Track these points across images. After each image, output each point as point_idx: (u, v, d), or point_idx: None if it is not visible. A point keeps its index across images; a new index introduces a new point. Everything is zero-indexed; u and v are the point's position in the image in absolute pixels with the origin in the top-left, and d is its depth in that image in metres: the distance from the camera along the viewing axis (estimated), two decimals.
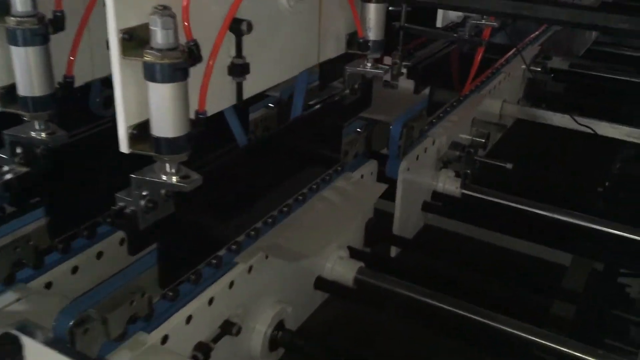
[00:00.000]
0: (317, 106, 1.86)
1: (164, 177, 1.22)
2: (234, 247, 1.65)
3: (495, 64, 3.14)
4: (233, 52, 1.39)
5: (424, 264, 2.40)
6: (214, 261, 1.57)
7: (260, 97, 2.15)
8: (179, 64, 1.12)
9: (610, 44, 4.70)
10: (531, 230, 2.51)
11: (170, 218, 1.33)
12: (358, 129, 2.17)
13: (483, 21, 2.45)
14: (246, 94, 1.47)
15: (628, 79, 4.04)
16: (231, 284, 1.56)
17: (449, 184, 2.61)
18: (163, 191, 1.28)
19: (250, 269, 1.62)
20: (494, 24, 2.44)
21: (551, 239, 2.47)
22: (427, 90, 2.39)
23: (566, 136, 3.76)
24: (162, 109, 1.15)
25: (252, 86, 1.48)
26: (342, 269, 2.06)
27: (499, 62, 3.18)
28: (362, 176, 2.17)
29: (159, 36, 1.10)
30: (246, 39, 1.40)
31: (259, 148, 1.68)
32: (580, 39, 4.29)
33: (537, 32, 3.80)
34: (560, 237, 2.46)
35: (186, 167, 1.24)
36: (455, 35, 2.50)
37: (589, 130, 3.06)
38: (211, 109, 1.37)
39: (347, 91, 1.93)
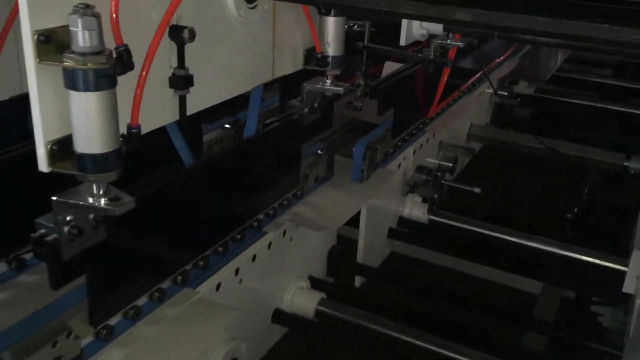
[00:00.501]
0: (273, 126, 1.73)
1: (91, 200, 1.08)
2: (179, 278, 1.50)
3: (461, 87, 3.07)
4: (175, 63, 1.26)
5: (390, 294, 2.27)
6: (157, 294, 1.42)
7: (216, 116, 2.03)
8: (104, 70, 0.99)
9: (575, 70, 4.74)
10: (500, 257, 2.42)
11: (101, 246, 1.18)
12: (319, 151, 2.04)
13: (448, 41, 2.38)
14: (191, 110, 1.34)
15: (593, 104, 4.05)
16: None
17: (415, 209, 2.51)
18: (91, 216, 1.13)
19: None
20: (460, 44, 2.37)
21: (521, 266, 2.37)
22: (391, 111, 2.29)
23: (534, 162, 3.73)
24: (86, 122, 1.01)
25: (197, 101, 1.36)
26: (302, 301, 1.92)
27: (465, 85, 3.12)
28: None
29: (80, 38, 0.96)
30: (190, 49, 1.27)
31: (206, 169, 1.54)
32: (545, 64, 4.30)
33: (502, 57, 3.77)
34: (530, 264, 2.36)
35: (117, 189, 1.10)
36: (420, 55, 2.41)
37: (556, 152, 2.99)
38: (149, 125, 1.23)
39: (306, 110, 1.81)
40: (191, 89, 1.30)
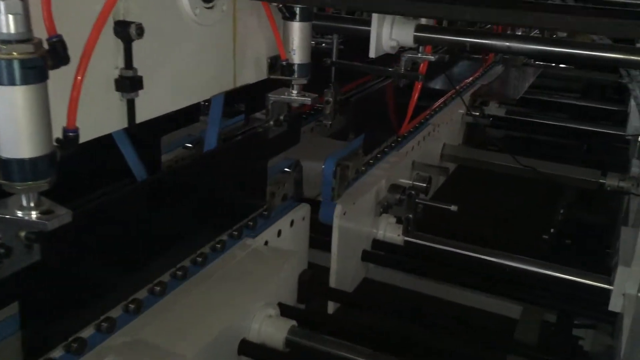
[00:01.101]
0: (234, 139, 1.61)
1: (20, 213, 0.93)
2: (131, 306, 1.35)
3: (433, 106, 3.00)
4: (121, 63, 1.13)
5: (366, 320, 2.14)
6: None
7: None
8: (32, 60, 0.85)
9: (544, 93, 4.78)
10: (478, 278, 2.30)
11: (36, 269, 1.03)
12: (286, 169, 1.92)
13: (419, 54, 2.30)
14: (142, 117, 1.21)
15: (563, 124, 4.06)
16: None
17: (390, 230, 2.39)
18: (22, 233, 0.99)
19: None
20: (431, 57, 2.29)
21: (500, 286, 2.26)
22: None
23: (509, 181, 3.67)
24: (12, 121, 0.87)
25: (149, 108, 1.23)
26: (271, 329, 1.78)
27: (437, 104, 3.05)
28: (292, 222, 1.91)
29: (3, 23, 0.83)
30: (139, 49, 1.15)
31: (161, 185, 1.39)
32: (514, 85, 4.30)
33: (472, 77, 3.74)
34: (509, 283, 2.25)
35: (51, 201, 0.96)
36: (390, 69, 2.33)
37: (534, 170, 2.92)
38: (92, 131, 1.10)
39: (271, 123, 1.70)
40: (142, 93, 1.17)
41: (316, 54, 2.50)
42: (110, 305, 1.29)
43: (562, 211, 3.40)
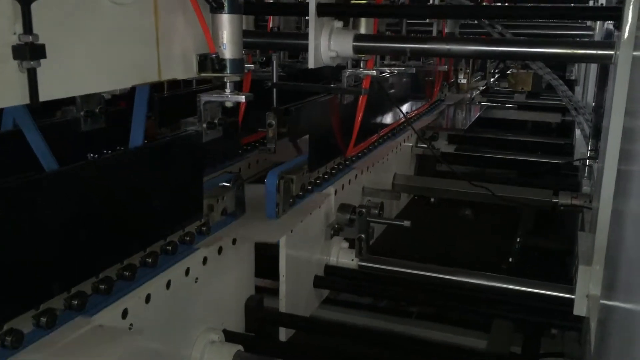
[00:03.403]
0: (164, 138, 1.48)
1: None
2: (43, 319, 1.17)
3: (381, 132, 2.94)
4: (20, 29, 1.02)
5: (320, 346, 1.97)
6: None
7: None
8: None
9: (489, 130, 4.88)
10: (440, 297, 2.18)
11: None
12: (225, 183, 1.80)
13: (360, 69, 2.25)
14: (47, 95, 1.08)
15: (513, 157, 4.10)
16: None
17: (342, 255, 2.26)
18: None
19: None
20: (373, 72, 2.24)
21: (463, 304, 2.14)
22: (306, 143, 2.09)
23: (461, 211, 3.62)
24: None
25: (57, 85, 1.10)
26: (215, 356, 1.60)
27: (386, 130, 3.00)
28: (233, 241, 1.76)
29: None
30: (43, 17, 1.04)
31: (69, 181, 1.23)
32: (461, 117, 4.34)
33: (423, 109, 3.74)
34: (473, 301, 2.13)
35: None
36: (332, 86, 2.27)
37: (491, 193, 2.86)
38: None
39: (204, 126, 1.58)
40: (47, 67, 1.05)
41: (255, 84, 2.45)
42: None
43: (518, 240, 3.35)
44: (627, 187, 1.18)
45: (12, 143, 1.31)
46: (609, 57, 1.68)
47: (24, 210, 1.12)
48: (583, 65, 4.47)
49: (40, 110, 1.64)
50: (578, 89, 4.82)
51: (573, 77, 5.17)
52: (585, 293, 1.83)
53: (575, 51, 1.73)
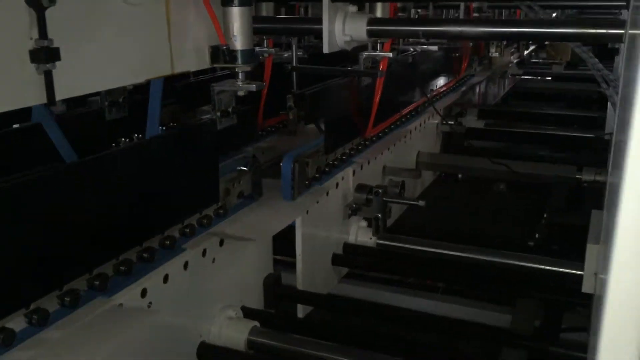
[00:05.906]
0: (181, 126, 1.56)
1: None
2: (67, 299, 1.28)
3: (403, 111, 2.96)
4: (36, 34, 1.10)
5: (337, 324, 2.05)
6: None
7: None
8: None
9: (522, 104, 4.79)
10: (460, 276, 2.22)
11: None
12: (242, 167, 1.88)
13: (377, 52, 2.28)
14: (63, 94, 1.17)
15: (544, 132, 4.03)
16: None
17: (361, 234, 2.33)
18: None
19: None
20: (389, 54, 2.27)
21: (484, 284, 2.17)
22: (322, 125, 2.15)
23: (490, 188, 3.62)
24: None
25: (71, 85, 1.19)
26: (231, 331, 1.70)
27: (409, 108, 3.02)
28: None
29: None
30: (56, 20, 1.12)
31: (93, 170, 1.32)
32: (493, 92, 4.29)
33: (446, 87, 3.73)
34: (493, 279, 2.17)
35: None
36: (349, 69, 2.31)
37: (512, 171, 2.87)
38: (5, 104, 1.06)
39: (218, 114, 1.65)
40: (62, 68, 1.14)
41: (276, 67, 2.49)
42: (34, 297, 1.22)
43: (545, 216, 3.34)
44: None
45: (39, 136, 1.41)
46: (619, 36, 1.67)
47: (53, 198, 1.23)
48: None
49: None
50: (617, 59, 4.67)
51: (617, 46, 4.99)
52: (594, 271, 1.85)
53: (585, 30, 1.73)
